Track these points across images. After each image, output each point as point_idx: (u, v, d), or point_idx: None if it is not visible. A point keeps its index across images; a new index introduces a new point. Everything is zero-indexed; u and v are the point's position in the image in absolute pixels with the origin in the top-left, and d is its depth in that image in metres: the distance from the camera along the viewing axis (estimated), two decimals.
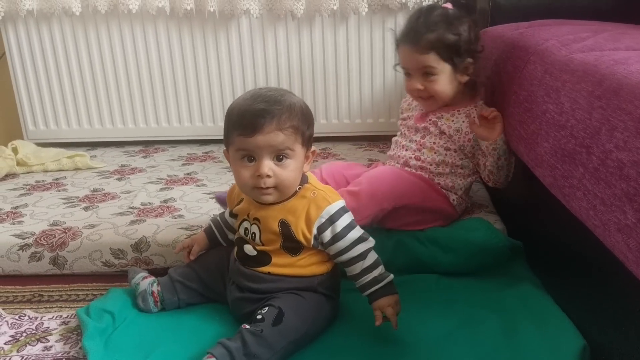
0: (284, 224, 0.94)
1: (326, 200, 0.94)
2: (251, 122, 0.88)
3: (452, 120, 1.23)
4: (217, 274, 1.05)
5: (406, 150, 1.27)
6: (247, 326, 0.87)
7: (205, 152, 1.96)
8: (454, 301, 1.05)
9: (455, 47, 1.17)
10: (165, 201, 1.46)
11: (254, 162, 0.91)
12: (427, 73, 1.19)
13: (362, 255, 0.94)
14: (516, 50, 1.19)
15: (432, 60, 1.17)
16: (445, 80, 1.19)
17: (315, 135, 2.09)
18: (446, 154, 1.23)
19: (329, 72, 1.92)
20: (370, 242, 0.95)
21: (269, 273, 0.96)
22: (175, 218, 1.33)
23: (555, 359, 0.86)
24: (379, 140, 2.00)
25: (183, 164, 1.83)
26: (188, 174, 1.71)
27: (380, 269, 0.94)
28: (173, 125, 2.01)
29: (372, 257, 0.95)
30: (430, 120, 1.25)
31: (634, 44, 0.96)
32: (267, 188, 0.92)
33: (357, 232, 0.94)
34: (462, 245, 1.15)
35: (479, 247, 1.14)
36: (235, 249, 1.01)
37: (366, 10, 1.80)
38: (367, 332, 0.95)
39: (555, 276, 1.06)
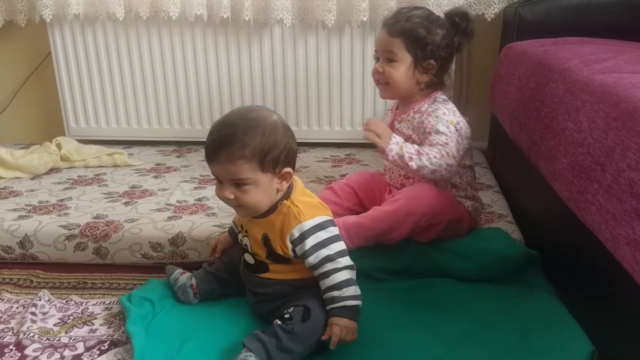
0: (265, 238, 1.00)
1: (297, 219, 0.96)
2: (208, 152, 0.95)
3: (409, 121, 1.27)
4: (240, 267, 1.11)
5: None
6: (280, 322, 0.93)
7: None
8: (469, 304, 1.10)
9: (422, 43, 1.20)
10: (199, 199, 1.54)
11: (221, 184, 0.97)
12: (390, 59, 1.23)
13: (326, 274, 0.95)
14: (540, 67, 1.24)
15: (397, 46, 1.21)
16: (402, 70, 1.22)
17: (340, 141, 2.16)
18: None
19: (356, 81, 1.98)
20: (338, 262, 0.95)
21: (269, 279, 1.03)
22: (209, 216, 1.41)
23: None
24: None
25: None
26: None
27: (341, 292, 0.93)
28: (205, 127, 2.09)
29: (337, 277, 0.94)
30: (396, 129, 1.28)
31: None
32: (235, 206, 0.98)
33: (327, 251, 0.95)
34: (479, 254, 1.19)
35: (496, 256, 1.18)
36: (243, 257, 1.08)
37: None
38: (385, 329, 1.01)
39: (569, 285, 1.10)
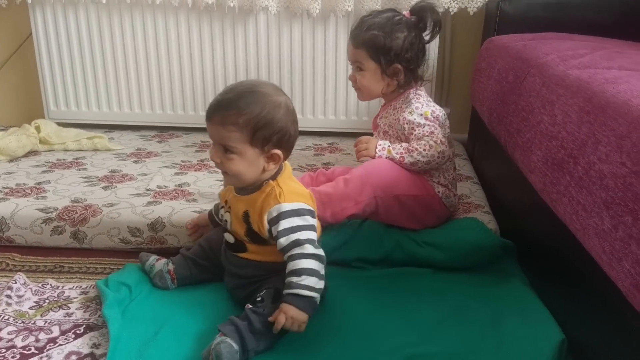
0: (246, 215, 1.01)
1: (276, 199, 0.97)
2: (208, 110, 0.98)
3: (386, 117, 1.34)
4: (219, 252, 1.12)
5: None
6: (251, 306, 0.95)
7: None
8: (446, 293, 1.12)
9: (384, 50, 1.25)
10: (179, 185, 1.54)
11: (214, 146, 0.99)
12: (358, 67, 1.30)
13: (292, 257, 0.94)
14: (518, 61, 1.25)
15: (361, 56, 1.28)
16: (370, 77, 1.29)
17: (323, 130, 2.16)
18: None
19: (340, 70, 1.99)
20: (306, 249, 0.93)
21: (246, 259, 1.04)
22: (189, 202, 1.41)
23: (535, 349, 0.92)
24: None
25: (196, 151, 1.90)
26: (201, 160, 1.79)
27: (299, 279, 0.92)
28: (188, 112, 2.09)
29: (301, 264, 0.92)
30: (378, 124, 1.36)
31: (627, 64, 1.03)
32: (222, 172, 1.00)
33: (298, 236, 0.94)
34: (455, 244, 1.21)
35: (472, 245, 1.20)
36: (224, 236, 1.09)
37: None
38: (363, 316, 1.03)
39: (542, 274, 1.13)
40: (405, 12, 1.29)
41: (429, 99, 1.31)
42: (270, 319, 0.91)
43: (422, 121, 1.25)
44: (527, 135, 1.06)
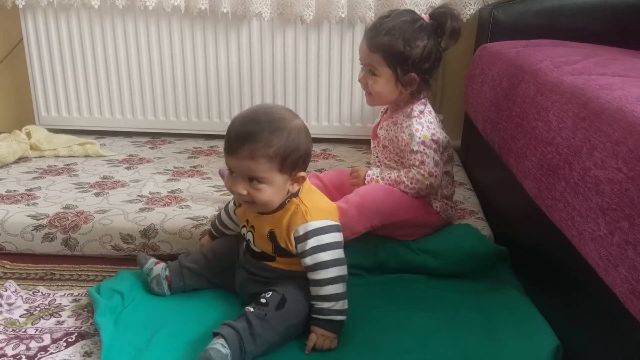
0: (272, 234, 1.01)
1: (303, 218, 0.97)
2: (230, 144, 0.94)
3: (387, 130, 1.28)
4: (226, 263, 1.11)
5: (376, 167, 1.31)
6: (251, 309, 0.94)
7: (210, 147, 2.02)
8: (440, 300, 1.12)
9: (402, 58, 1.18)
10: (172, 191, 1.53)
11: (234, 176, 0.96)
12: (371, 71, 1.22)
13: (319, 283, 0.96)
14: (512, 68, 1.26)
15: (377, 61, 1.20)
16: (383, 83, 1.21)
17: (316, 136, 2.17)
18: (398, 167, 1.27)
19: (334, 76, 1.99)
20: (332, 272, 0.96)
21: (275, 267, 1.04)
22: (182, 208, 1.40)
23: (531, 356, 0.92)
24: None
25: (189, 157, 1.89)
26: (194, 166, 1.78)
27: (331, 304, 0.95)
28: (180, 118, 2.08)
29: (330, 289, 0.96)
30: (378, 135, 1.31)
31: (620, 70, 1.04)
32: (245, 201, 0.97)
33: (325, 256, 0.96)
34: (450, 251, 1.21)
35: (466, 252, 1.20)
36: (244, 244, 1.08)
37: (373, 19, 1.86)
38: (358, 324, 1.02)
39: (536, 281, 1.12)
40: (425, 16, 1.21)
41: (431, 117, 1.24)
42: (306, 352, 0.94)
43: (416, 147, 1.19)
44: (522, 141, 1.06)
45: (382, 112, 1.37)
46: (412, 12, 1.25)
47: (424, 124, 1.21)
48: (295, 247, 0.98)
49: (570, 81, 0.98)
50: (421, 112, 1.23)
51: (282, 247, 1.00)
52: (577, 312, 0.94)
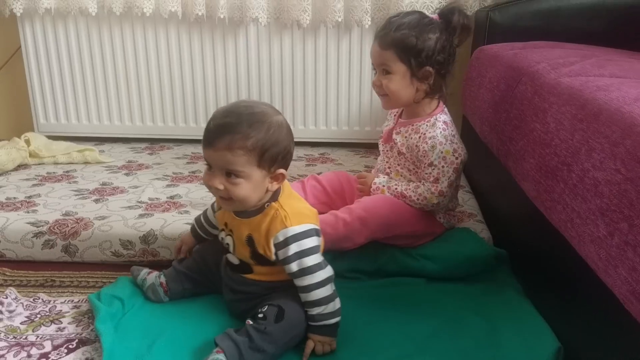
0: (250, 239, 0.99)
1: (282, 223, 0.95)
2: (208, 135, 0.93)
3: (405, 137, 1.24)
4: (214, 266, 1.11)
5: (384, 175, 1.31)
6: (251, 322, 0.93)
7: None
8: (440, 303, 1.11)
9: (415, 51, 1.16)
10: (171, 197, 1.53)
11: (211, 171, 0.95)
12: (385, 70, 1.20)
13: (307, 289, 0.95)
14: (509, 70, 1.26)
15: (390, 57, 1.18)
16: (399, 80, 1.19)
17: (314, 140, 2.16)
18: (410, 176, 1.26)
19: (331, 81, 1.99)
20: (318, 276, 0.94)
21: (253, 280, 1.02)
22: (181, 214, 1.40)
23: (531, 358, 0.92)
24: (375, 148, 2.05)
25: (188, 162, 1.89)
26: (192, 172, 1.78)
27: (322, 309, 0.94)
28: (179, 124, 2.08)
29: (318, 294, 0.94)
30: (393, 139, 1.27)
31: (617, 71, 1.04)
32: (222, 197, 0.96)
33: (309, 261, 0.94)
34: (450, 256, 1.20)
35: (466, 257, 1.20)
36: (224, 258, 1.08)
37: (369, 23, 1.87)
38: (358, 328, 1.02)
39: (536, 283, 1.12)
40: (434, 15, 1.21)
41: (454, 128, 1.22)
42: (304, 359, 0.93)
43: (436, 162, 1.18)
44: (520, 143, 1.06)
45: (395, 115, 1.33)
46: (420, 12, 1.24)
47: (448, 137, 1.19)
48: (276, 254, 0.96)
49: (567, 83, 0.98)
50: (445, 122, 1.21)
51: (259, 254, 0.98)
52: (578, 314, 0.94)
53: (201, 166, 1.85)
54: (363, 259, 1.22)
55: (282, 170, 0.96)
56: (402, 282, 1.19)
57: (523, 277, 1.19)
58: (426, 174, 1.20)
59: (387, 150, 1.31)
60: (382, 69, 1.21)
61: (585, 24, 1.62)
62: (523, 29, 1.65)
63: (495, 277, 1.20)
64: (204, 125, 2.06)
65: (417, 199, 1.20)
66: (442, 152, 1.18)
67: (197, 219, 1.18)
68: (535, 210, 0.98)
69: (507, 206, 1.34)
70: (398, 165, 1.28)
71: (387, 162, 1.32)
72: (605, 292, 0.73)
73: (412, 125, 1.24)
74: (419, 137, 1.21)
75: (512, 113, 1.15)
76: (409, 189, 1.21)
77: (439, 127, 1.20)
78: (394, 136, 1.27)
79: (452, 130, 1.21)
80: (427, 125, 1.21)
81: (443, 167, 1.18)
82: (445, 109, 1.25)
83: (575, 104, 0.89)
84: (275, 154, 0.94)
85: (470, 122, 1.58)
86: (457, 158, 1.19)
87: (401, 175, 1.28)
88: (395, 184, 1.23)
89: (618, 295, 0.70)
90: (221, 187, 0.93)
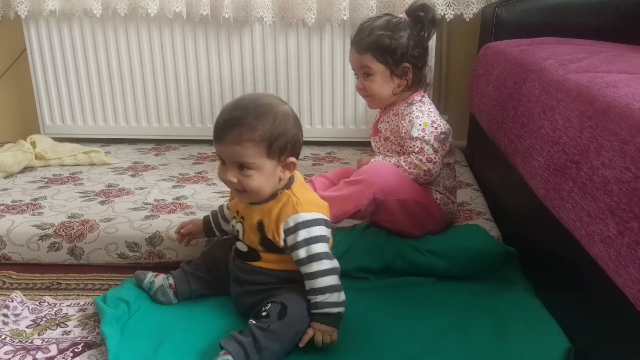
0: (260, 224, 1.00)
1: (294, 209, 0.96)
2: (217, 131, 0.96)
3: (388, 122, 1.33)
4: (223, 266, 1.11)
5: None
6: (254, 322, 0.92)
7: (215, 152, 2.01)
8: (448, 303, 1.10)
9: (390, 50, 1.24)
10: (177, 198, 1.53)
11: (225, 165, 0.97)
12: (366, 73, 1.28)
13: (313, 275, 0.95)
14: (516, 67, 1.25)
15: (368, 60, 1.26)
16: (380, 80, 1.27)
17: (321, 139, 2.15)
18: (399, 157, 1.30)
19: (337, 79, 1.98)
20: (325, 264, 0.95)
21: (260, 267, 1.03)
22: (187, 215, 1.39)
23: (542, 358, 0.91)
24: None
25: (194, 163, 1.89)
26: (199, 172, 1.78)
27: (325, 296, 0.94)
28: (184, 124, 2.08)
29: (323, 282, 0.94)
30: (379, 129, 1.35)
31: (626, 67, 1.02)
32: (237, 190, 0.98)
33: (317, 248, 0.95)
34: (458, 252, 1.20)
35: (474, 253, 1.19)
36: (234, 246, 1.08)
37: None
38: (365, 328, 1.01)
39: (546, 282, 1.11)
40: (402, 15, 1.29)
41: (431, 107, 1.29)
42: (300, 344, 0.93)
43: (416, 134, 1.24)
44: (528, 141, 1.05)
45: (381, 110, 1.40)
46: (389, 14, 1.32)
47: (425, 111, 1.26)
48: (285, 239, 0.97)
49: (575, 79, 0.97)
50: (421, 101, 1.28)
51: (268, 239, 0.99)
52: (588, 314, 0.93)
53: (207, 166, 1.85)
54: (370, 256, 1.21)
55: (292, 159, 0.98)
56: (410, 282, 1.18)
57: (532, 276, 1.17)
58: (410, 147, 1.25)
59: (377, 141, 1.38)
60: (362, 72, 1.30)
61: (593, 20, 1.61)
62: (530, 26, 1.64)
63: (504, 275, 1.19)
64: (209, 125, 2.07)
65: (409, 167, 1.25)
66: (420, 125, 1.24)
67: (214, 212, 1.20)
68: (544, 208, 0.97)
69: (516, 204, 1.33)
70: (387, 150, 1.35)
71: (378, 151, 1.39)
72: (616, 291, 0.72)
73: (392, 110, 1.32)
74: (398, 117, 1.29)
75: (519, 110, 1.13)
76: (400, 160, 1.27)
77: (414, 103, 1.28)
78: (379, 126, 1.35)
79: (428, 107, 1.28)
80: (404, 106, 1.29)
81: (424, 137, 1.24)
82: (425, 95, 1.32)
83: (583, 101, 0.88)
84: (283, 144, 0.96)
85: (478, 120, 1.57)
86: (436, 128, 1.25)
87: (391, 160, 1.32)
88: (389, 159, 1.30)
89: (628, 295, 0.69)
90: (235, 180, 0.96)
